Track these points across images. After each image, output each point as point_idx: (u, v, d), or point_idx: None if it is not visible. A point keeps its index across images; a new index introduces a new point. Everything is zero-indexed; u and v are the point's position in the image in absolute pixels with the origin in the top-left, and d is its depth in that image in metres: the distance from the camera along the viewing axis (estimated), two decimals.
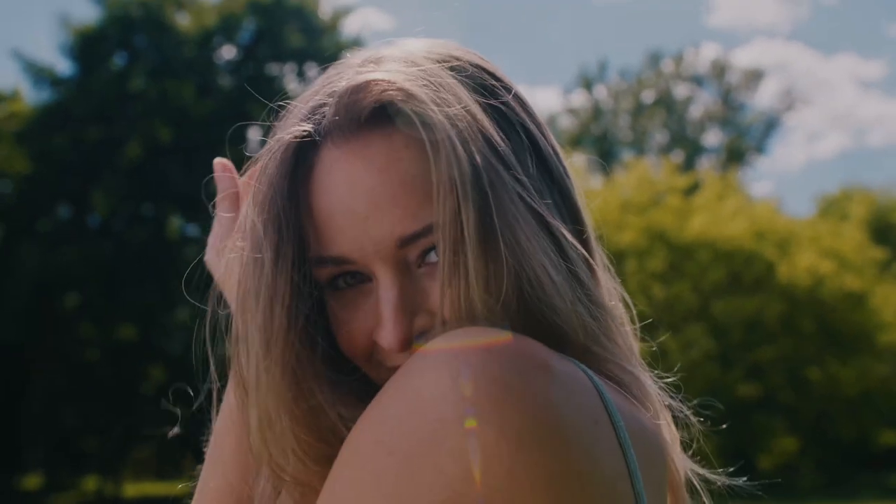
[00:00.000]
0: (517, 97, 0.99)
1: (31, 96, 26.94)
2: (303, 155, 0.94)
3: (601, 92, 40.51)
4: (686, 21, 61.83)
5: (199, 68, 25.58)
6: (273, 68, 26.58)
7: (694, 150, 39.11)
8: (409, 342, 0.91)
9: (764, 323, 21.81)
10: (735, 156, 38.37)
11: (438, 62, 0.94)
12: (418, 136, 0.88)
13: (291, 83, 26.60)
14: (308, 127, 0.93)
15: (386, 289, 0.92)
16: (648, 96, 39.89)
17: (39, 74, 25.52)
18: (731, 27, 59.27)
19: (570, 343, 0.90)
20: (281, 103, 1.01)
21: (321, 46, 26.36)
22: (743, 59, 60.88)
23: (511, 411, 0.75)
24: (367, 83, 0.91)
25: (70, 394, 22.65)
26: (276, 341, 0.91)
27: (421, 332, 0.92)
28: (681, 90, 40.23)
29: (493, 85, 0.97)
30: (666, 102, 39.76)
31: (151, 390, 23.21)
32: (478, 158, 0.88)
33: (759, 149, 39.90)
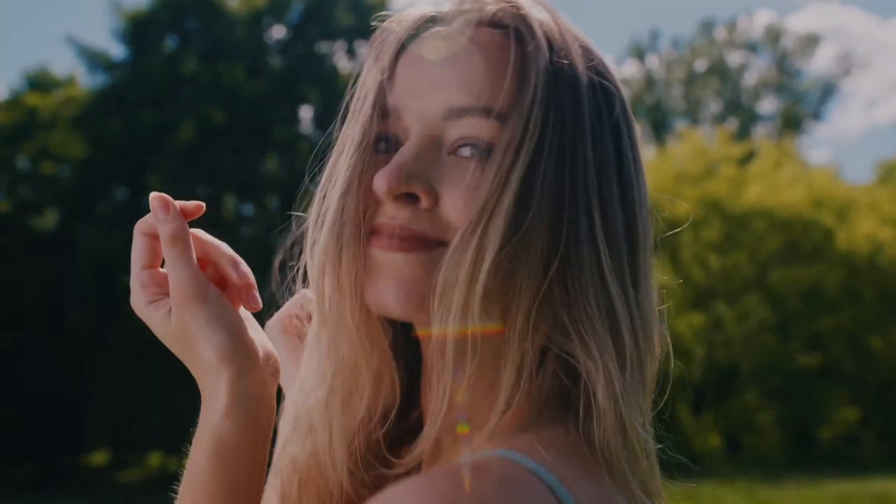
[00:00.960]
0: (624, 116, 0.99)
1: (86, 81, 27.33)
2: (425, 28, 0.98)
3: (653, 62, 40.08)
4: None
5: (250, 49, 25.72)
6: (323, 47, 26.62)
7: (749, 119, 38.56)
8: (396, 191, 0.90)
9: (823, 292, 21.53)
10: (791, 123, 37.77)
11: (583, 45, 0.96)
12: (518, 44, 0.91)
13: (341, 61, 26.66)
14: (443, 6, 0.98)
15: (406, 145, 0.93)
16: (701, 65, 39.36)
17: (94, 59, 25.86)
18: None
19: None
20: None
21: (370, 24, 26.38)
22: (797, 24, 59.83)
23: None
24: (509, 4, 0.95)
25: (130, 374, 23.05)
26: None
27: (411, 195, 0.91)
28: (734, 58, 39.64)
29: (607, 99, 0.96)
30: (719, 70, 39.21)
31: None
32: (566, 108, 0.90)
33: (816, 115, 39.23)
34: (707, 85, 39.07)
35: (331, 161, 0.99)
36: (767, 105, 39.39)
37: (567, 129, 0.89)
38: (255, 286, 1.08)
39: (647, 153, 26.27)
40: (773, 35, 39.24)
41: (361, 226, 0.93)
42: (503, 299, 0.88)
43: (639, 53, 40.00)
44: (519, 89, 0.89)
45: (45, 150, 26.25)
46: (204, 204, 1.10)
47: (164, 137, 24.38)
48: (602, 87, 0.95)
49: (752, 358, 21.29)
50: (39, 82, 28.01)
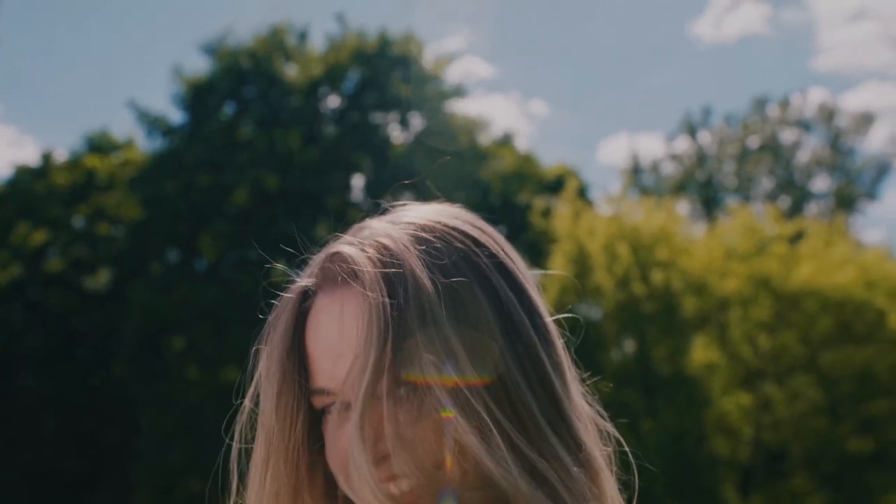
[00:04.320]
0: (491, 263, 1.13)
1: (144, 145, 27.92)
2: (306, 302, 1.16)
3: (705, 138, 40.06)
4: (792, 65, 60.83)
5: (305, 117, 26.16)
6: (377, 117, 27.01)
7: (801, 197, 38.29)
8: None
9: (875, 374, 21.11)
10: (845, 202, 37.43)
11: (413, 236, 1.12)
12: (367, 297, 1.06)
13: (395, 131, 27.00)
14: (309, 282, 1.16)
15: (354, 415, 1.05)
16: (754, 142, 39.26)
17: (153, 124, 26.45)
18: (838, 70, 58.12)
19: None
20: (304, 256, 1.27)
21: (424, 94, 26.72)
22: (852, 102, 59.53)
23: None
24: (339, 254, 1.13)
25: (176, 433, 23.14)
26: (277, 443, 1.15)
27: (384, 455, 1.05)
28: (787, 135, 39.51)
29: (450, 256, 1.11)
30: (772, 148, 39.07)
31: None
32: (399, 315, 1.05)
33: (870, 195, 38.84)
34: (759, 162, 38.93)
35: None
36: (820, 183, 39.12)
37: (438, 320, 1.05)
38: None
39: (698, 230, 26.15)
40: (827, 113, 39.11)
41: None
42: None
43: (691, 129, 40.03)
44: (366, 332, 1.06)
45: (101, 211, 26.76)
46: None
47: (219, 201, 24.76)
48: (443, 258, 1.10)
49: (803, 441, 20.88)
50: (99, 145, 28.69)
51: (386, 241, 1.11)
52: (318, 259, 1.19)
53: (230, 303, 23.53)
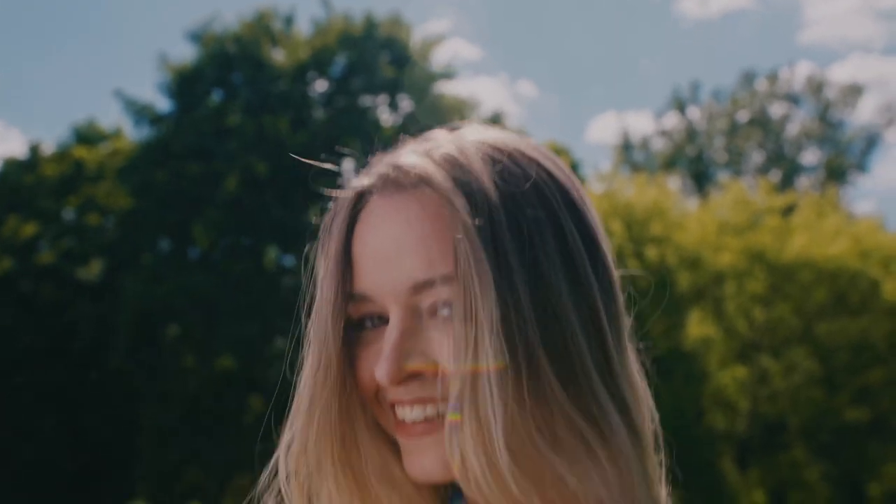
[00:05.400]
0: (563, 200, 1.06)
1: (132, 134, 27.78)
2: (360, 205, 1.08)
3: (694, 113, 40.02)
4: (778, 39, 60.75)
5: (294, 102, 26.05)
6: (366, 100, 26.91)
7: (791, 170, 38.29)
8: (398, 378, 0.99)
9: (871, 344, 21.17)
10: (835, 174, 37.44)
11: (484, 154, 1.05)
12: (444, 205, 1.00)
13: (384, 114, 26.91)
14: (366, 182, 1.08)
15: (391, 328, 1.01)
16: (743, 116, 39.23)
17: (140, 113, 26.31)
18: (824, 44, 58.07)
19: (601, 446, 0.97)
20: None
21: (412, 77, 26.62)
22: (839, 75, 59.50)
23: None
24: (402, 159, 1.06)
25: (174, 421, 23.13)
26: (328, 357, 1.04)
27: (413, 373, 1.00)
28: (776, 109, 39.49)
29: (526, 183, 1.04)
30: (761, 122, 39.04)
31: (252, 419, 23.55)
32: (489, 230, 0.98)
33: (860, 166, 38.86)
34: (749, 136, 38.91)
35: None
36: (810, 156, 39.12)
37: (509, 254, 0.98)
38: None
39: (690, 205, 26.15)
40: (815, 86, 39.08)
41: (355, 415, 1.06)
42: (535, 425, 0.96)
43: (680, 105, 39.98)
44: (456, 244, 0.97)
45: (91, 202, 26.66)
46: None
47: (210, 188, 24.67)
48: (515, 186, 1.02)
49: (799, 412, 20.95)
50: (87, 135, 28.55)
51: (455, 153, 1.04)
52: (377, 163, 1.10)
53: (224, 290, 23.48)
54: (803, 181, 37.64)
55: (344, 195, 1.10)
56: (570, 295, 1.00)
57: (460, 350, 0.95)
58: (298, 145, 24.82)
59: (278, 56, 26.59)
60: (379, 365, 0.99)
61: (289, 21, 27.26)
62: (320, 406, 1.03)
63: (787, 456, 21.06)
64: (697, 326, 20.45)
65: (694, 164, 38.73)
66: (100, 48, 52.80)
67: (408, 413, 1.01)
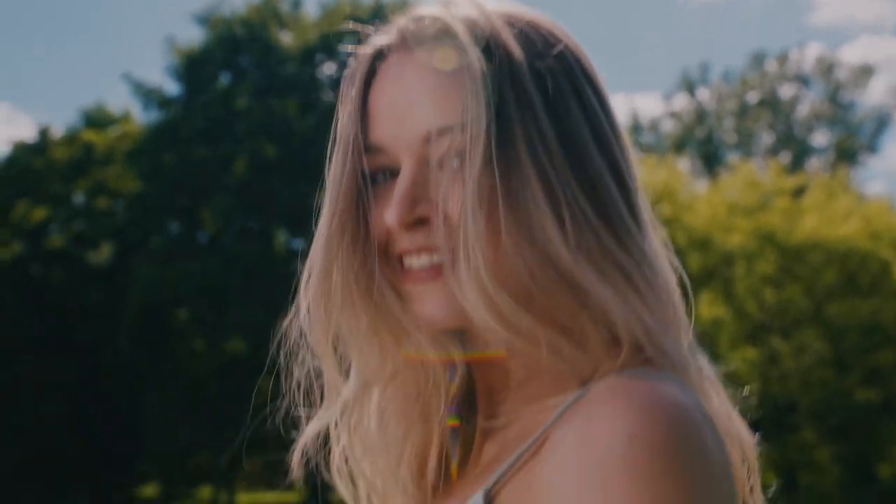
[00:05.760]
0: (580, 68, 1.07)
1: (141, 117, 27.79)
2: (379, 60, 1.09)
3: (704, 95, 39.86)
4: (787, 20, 60.47)
5: (302, 85, 26.01)
6: None
7: (802, 151, 38.14)
8: (408, 220, 1.01)
9: (881, 325, 21.13)
10: (845, 155, 37.28)
11: (506, 17, 1.06)
12: (462, 58, 1.01)
13: None
14: (385, 38, 1.09)
15: (402, 175, 1.03)
16: (753, 97, 39.05)
17: (148, 96, 26.31)
18: (834, 25, 57.79)
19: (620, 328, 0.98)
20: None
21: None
22: (850, 56, 59.22)
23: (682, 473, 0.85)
24: (432, 16, 1.05)
25: (182, 406, 23.20)
26: (342, 197, 1.06)
27: (422, 218, 1.01)
28: (786, 90, 39.30)
29: (546, 47, 1.05)
30: (771, 103, 38.86)
31: (261, 402, 23.61)
32: (509, 90, 0.99)
33: (871, 147, 38.70)
34: (759, 117, 38.74)
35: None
36: (820, 137, 38.97)
37: (536, 106, 0.99)
38: None
39: (699, 186, 26.07)
40: (826, 67, 38.86)
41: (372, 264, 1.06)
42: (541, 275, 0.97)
43: (689, 86, 39.81)
44: (468, 96, 0.98)
45: (100, 185, 26.69)
46: None
47: (218, 172, 24.66)
48: (534, 47, 1.03)
49: (810, 393, 20.92)
50: (96, 119, 28.58)
51: (475, 14, 1.04)
52: (398, 20, 1.11)
53: (233, 274, 23.51)
54: (814, 162, 37.50)
55: (364, 51, 1.11)
56: (596, 148, 1.02)
57: (470, 197, 0.97)
58: (307, 128, 24.80)
59: (286, 39, 26.54)
60: (389, 209, 1.01)
61: (296, 3, 27.20)
62: (337, 242, 1.07)
63: (798, 437, 21.05)
64: (707, 308, 20.41)
65: (703, 146, 38.60)
66: (108, 32, 52.82)
67: (415, 261, 1.03)
